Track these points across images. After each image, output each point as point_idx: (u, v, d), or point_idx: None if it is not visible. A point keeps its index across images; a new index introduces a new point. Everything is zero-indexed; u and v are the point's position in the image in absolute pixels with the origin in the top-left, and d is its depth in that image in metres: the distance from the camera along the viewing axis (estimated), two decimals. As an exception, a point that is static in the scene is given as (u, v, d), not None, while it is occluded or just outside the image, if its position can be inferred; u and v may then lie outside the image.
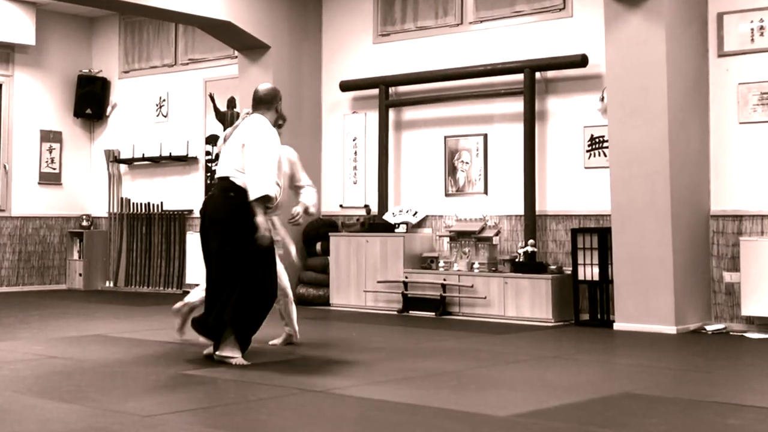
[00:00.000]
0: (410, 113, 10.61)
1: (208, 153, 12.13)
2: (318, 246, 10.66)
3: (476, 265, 9.44)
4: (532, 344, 7.44)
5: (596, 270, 8.64)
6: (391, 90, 10.64)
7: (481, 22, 10.07)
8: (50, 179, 13.08)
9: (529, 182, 9.36)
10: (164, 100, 12.76)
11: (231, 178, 6.17)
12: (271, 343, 7.05)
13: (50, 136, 13.09)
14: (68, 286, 13.08)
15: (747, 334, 7.97)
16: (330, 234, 10.50)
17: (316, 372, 5.82)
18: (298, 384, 5.40)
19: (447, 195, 10.21)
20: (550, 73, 9.53)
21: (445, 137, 10.24)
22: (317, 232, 10.70)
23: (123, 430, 4.17)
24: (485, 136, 9.96)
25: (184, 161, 12.36)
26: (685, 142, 8.31)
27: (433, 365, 6.23)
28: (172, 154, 12.44)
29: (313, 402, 4.92)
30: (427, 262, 9.91)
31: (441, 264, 9.74)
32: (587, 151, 9.25)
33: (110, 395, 5.07)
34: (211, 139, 11.94)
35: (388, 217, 10.28)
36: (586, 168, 9.24)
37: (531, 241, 9.17)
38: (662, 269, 8.07)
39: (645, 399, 5.06)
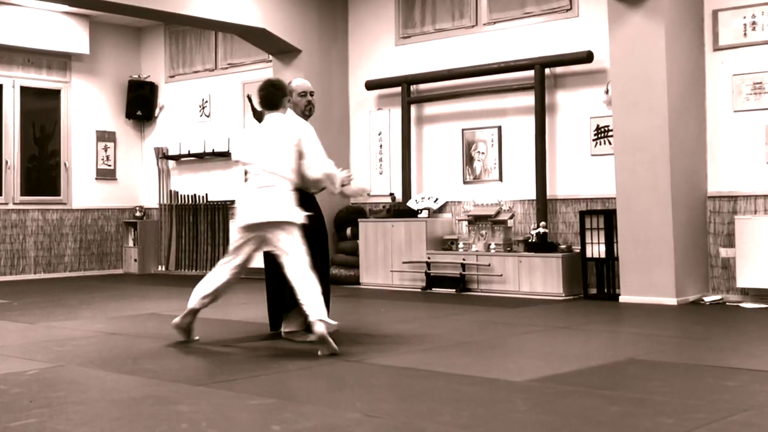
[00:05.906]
0: (430, 109, 10.60)
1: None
2: (348, 231, 10.70)
3: (492, 246, 9.44)
4: (544, 316, 7.46)
5: (603, 248, 8.63)
6: (413, 88, 10.63)
7: (495, 23, 10.04)
8: (106, 175, 13.18)
9: (540, 169, 9.34)
10: (206, 102, 12.82)
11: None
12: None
13: (105, 136, 13.19)
14: (125, 270, 13.20)
15: (742, 305, 7.95)
16: (359, 220, 10.53)
17: (348, 344, 5.84)
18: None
19: (465, 182, 10.21)
20: (559, 69, 9.48)
21: (463, 130, 10.23)
22: (347, 218, 10.74)
23: (177, 399, 4.24)
24: (499, 128, 9.95)
25: (226, 157, 12.41)
26: (684, 129, 8.27)
27: (454, 336, 6.26)
28: (215, 151, 12.50)
29: (345, 370, 4.96)
30: (447, 244, 9.92)
31: (460, 245, 9.74)
32: (593, 139, 9.22)
33: (165, 367, 5.13)
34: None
35: (411, 203, 10.29)
36: (592, 155, 9.22)
37: (542, 223, 9.17)
38: (664, 246, 8.04)
39: (648, 364, 5.06)
